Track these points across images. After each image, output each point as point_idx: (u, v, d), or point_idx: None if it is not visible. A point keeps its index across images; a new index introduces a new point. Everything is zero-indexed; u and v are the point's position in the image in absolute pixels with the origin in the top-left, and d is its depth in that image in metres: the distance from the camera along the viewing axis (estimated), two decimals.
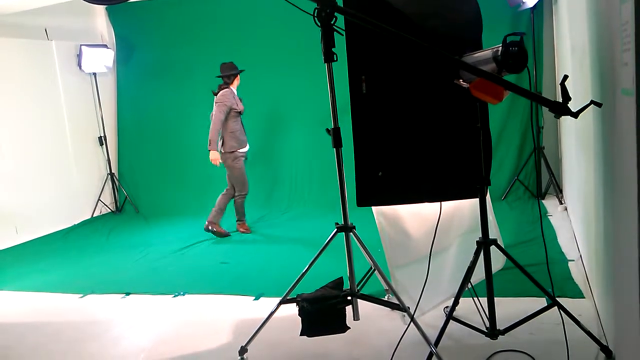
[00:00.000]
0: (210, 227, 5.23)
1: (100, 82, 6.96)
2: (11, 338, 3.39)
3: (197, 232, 5.35)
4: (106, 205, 7.05)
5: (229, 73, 5.13)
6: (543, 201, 5.49)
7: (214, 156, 5.05)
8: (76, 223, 6.55)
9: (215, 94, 5.12)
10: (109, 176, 7.07)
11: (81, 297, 4.00)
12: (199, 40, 6.67)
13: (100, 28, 7.19)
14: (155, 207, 6.84)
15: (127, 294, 3.95)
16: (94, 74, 6.86)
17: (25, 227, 5.95)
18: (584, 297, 3.04)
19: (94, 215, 6.86)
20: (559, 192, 5.40)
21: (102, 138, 7.03)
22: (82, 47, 6.57)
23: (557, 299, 2.48)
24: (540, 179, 5.66)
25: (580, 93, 2.91)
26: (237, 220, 5.39)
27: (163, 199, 6.89)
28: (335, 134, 2.52)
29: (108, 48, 6.89)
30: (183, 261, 4.73)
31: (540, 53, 5.60)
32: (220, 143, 5.09)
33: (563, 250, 3.89)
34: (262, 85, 6.45)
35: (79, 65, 6.66)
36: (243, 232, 5.37)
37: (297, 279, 2.61)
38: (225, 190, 5.29)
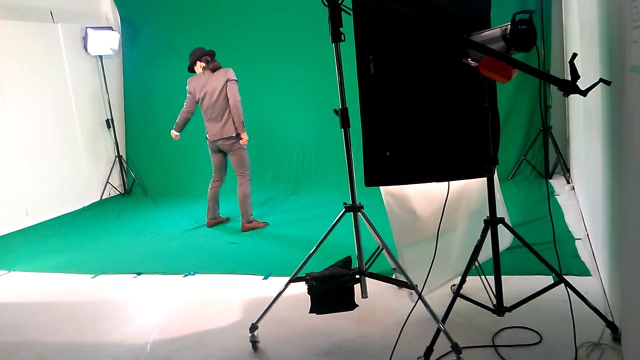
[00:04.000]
0: (249, 227, 4.90)
1: (107, 64, 6.97)
2: (24, 318, 3.46)
3: (206, 212, 5.36)
4: (115, 188, 7.11)
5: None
6: (550, 180, 5.49)
7: (247, 137, 4.82)
8: (85, 205, 6.62)
9: (213, 70, 4.80)
10: (117, 158, 7.11)
11: (93, 277, 4.06)
12: (205, 21, 6.65)
13: (105, 10, 7.17)
14: (163, 188, 6.90)
15: (138, 274, 4.01)
16: (100, 56, 6.85)
17: (35, 210, 6.02)
18: (590, 275, 3.07)
19: (103, 198, 6.93)
20: (566, 171, 5.39)
21: (110, 121, 7.05)
22: (88, 30, 6.57)
23: (564, 276, 2.50)
24: (548, 158, 5.65)
25: (589, 71, 2.89)
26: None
27: (171, 180, 6.94)
28: (343, 115, 2.54)
29: (113, 30, 6.88)
30: (192, 242, 4.78)
31: (549, 31, 5.54)
32: (226, 126, 4.77)
33: (570, 229, 3.91)
34: (269, 66, 6.44)
35: (85, 48, 6.67)
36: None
37: (305, 258, 2.64)
38: (239, 184, 4.87)
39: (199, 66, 4.91)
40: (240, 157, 4.89)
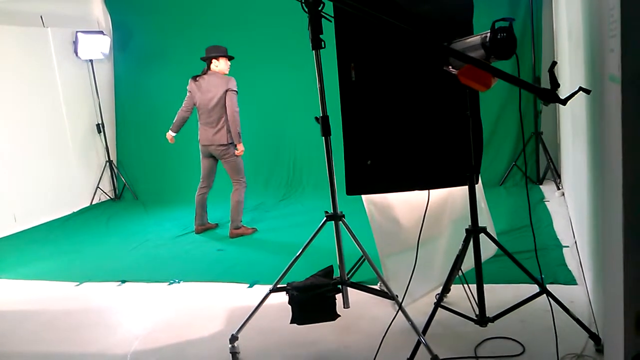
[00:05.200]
0: (237, 233, 4.87)
1: (97, 69, 6.92)
2: (8, 326, 3.41)
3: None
4: (105, 193, 7.06)
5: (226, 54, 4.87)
6: (540, 186, 5.47)
7: (243, 147, 4.80)
8: (75, 211, 6.56)
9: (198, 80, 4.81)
10: (108, 163, 7.07)
11: (77, 285, 4.02)
12: (196, 25, 6.62)
13: (96, 14, 7.13)
14: (154, 193, 6.85)
15: (123, 281, 3.97)
16: (91, 60, 6.82)
17: (23, 215, 5.96)
18: (576, 284, 3.04)
19: (93, 203, 6.87)
20: (557, 177, 5.37)
21: (100, 125, 7.00)
22: (78, 34, 6.53)
23: (550, 285, 2.48)
24: (538, 164, 5.63)
25: (575, 79, 2.88)
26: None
27: (162, 185, 6.90)
28: (324, 122, 2.51)
29: (104, 34, 6.85)
30: (180, 248, 4.74)
31: (539, 38, 5.53)
32: (219, 134, 4.75)
33: (558, 237, 3.89)
34: (260, 71, 6.41)
35: (76, 52, 6.62)
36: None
37: (286, 268, 2.61)
38: (234, 190, 4.85)
39: (222, 63, 4.82)
40: (234, 164, 4.84)
